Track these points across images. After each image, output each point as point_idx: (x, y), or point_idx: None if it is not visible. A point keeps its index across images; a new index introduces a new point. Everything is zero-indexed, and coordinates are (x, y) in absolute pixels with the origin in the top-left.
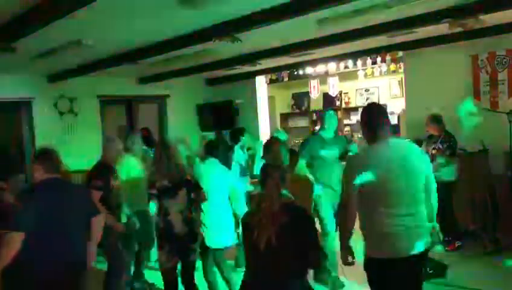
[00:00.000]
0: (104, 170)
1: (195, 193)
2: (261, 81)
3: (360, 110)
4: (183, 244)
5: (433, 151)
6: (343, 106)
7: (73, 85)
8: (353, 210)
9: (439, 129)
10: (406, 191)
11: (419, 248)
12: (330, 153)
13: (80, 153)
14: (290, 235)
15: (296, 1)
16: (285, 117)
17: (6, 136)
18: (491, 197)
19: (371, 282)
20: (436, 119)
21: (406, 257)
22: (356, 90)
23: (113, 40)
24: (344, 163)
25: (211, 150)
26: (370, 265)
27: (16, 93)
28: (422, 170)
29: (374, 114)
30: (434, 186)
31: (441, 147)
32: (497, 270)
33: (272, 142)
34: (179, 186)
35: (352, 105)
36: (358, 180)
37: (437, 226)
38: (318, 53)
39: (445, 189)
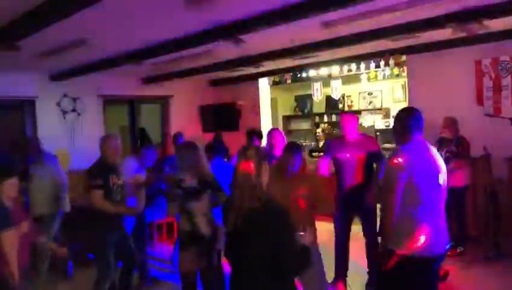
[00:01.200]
0: (104, 168)
1: (216, 195)
2: (264, 84)
3: (364, 113)
4: (209, 246)
5: (447, 155)
6: (346, 109)
7: (77, 84)
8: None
9: (454, 132)
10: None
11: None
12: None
13: (82, 152)
14: (262, 233)
15: (299, 4)
16: (287, 119)
17: (9, 134)
18: (493, 203)
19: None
20: (453, 122)
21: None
22: (359, 93)
23: (117, 40)
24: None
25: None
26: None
27: (20, 92)
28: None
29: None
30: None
31: (454, 150)
32: (498, 275)
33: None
34: (205, 187)
35: (355, 108)
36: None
37: None
38: (321, 56)
39: (459, 194)
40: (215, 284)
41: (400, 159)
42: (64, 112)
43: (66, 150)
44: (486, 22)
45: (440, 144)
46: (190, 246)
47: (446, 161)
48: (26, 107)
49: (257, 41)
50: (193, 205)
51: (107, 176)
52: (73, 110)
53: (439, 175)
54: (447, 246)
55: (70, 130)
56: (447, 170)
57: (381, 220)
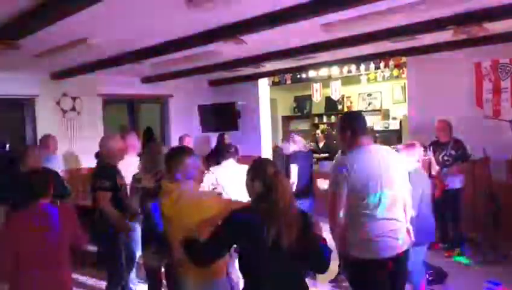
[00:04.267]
0: (109, 169)
1: None
2: (263, 84)
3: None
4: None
5: (445, 158)
6: (345, 110)
7: (76, 84)
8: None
9: (449, 136)
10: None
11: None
12: None
13: (82, 152)
14: (299, 236)
15: (300, 5)
16: (287, 120)
17: (9, 133)
18: (492, 205)
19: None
20: (449, 126)
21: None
22: (359, 94)
23: (118, 39)
24: None
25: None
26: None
27: (19, 91)
28: (403, 175)
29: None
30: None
31: (453, 153)
32: (496, 277)
33: None
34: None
35: (354, 109)
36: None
37: (411, 228)
38: (321, 57)
39: (455, 197)
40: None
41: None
42: (64, 111)
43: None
44: (487, 25)
45: (435, 148)
46: (151, 242)
47: (445, 165)
48: (26, 106)
49: (257, 42)
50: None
51: (115, 177)
52: (73, 109)
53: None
54: (405, 248)
55: (69, 129)
56: (447, 173)
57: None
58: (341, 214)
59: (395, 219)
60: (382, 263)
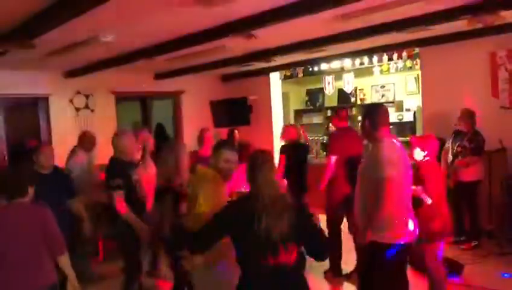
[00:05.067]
0: (121, 166)
1: None
2: (275, 78)
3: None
4: None
5: (458, 149)
6: (358, 102)
7: (89, 81)
8: None
9: (470, 126)
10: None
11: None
12: None
13: (95, 148)
14: (294, 229)
15: None
16: (299, 113)
17: (24, 131)
18: (509, 197)
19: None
20: (470, 115)
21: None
22: (372, 86)
23: (130, 37)
24: None
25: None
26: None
27: (34, 90)
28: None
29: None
30: None
31: (467, 145)
32: None
33: None
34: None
35: (367, 101)
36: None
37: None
38: (333, 49)
39: (468, 188)
40: None
41: None
42: (78, 109)
43: None
44: (503, 13)
45: (454, 137)
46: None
47: (456, 155)
48: (40, 104)
49: (269, 36)
50: None
51: (128, 175)
52: (86, 107)
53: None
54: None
55: (83, 127)
56: (457, 164)
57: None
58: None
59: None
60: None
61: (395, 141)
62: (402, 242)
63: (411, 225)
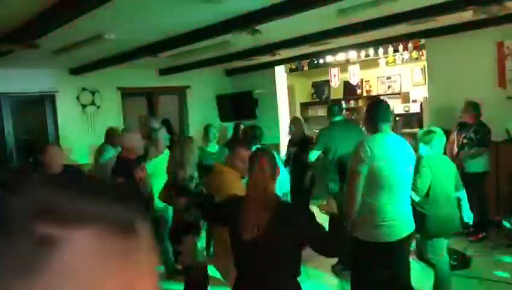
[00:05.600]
0: (124, 164)
1: None
2: (280, 71)
3: (382, 98)
4: None
5: (464, 141)
6: (364, 94)
7: (95, 78)
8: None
9: (474, 118)
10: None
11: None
12: None
13: None
14: (283, 231)
15: None
16: (305, 106)
17: (31, 128)
18: None
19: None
20: (474, 107)
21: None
22: (377, 78)
23: (134, 33)
24: None
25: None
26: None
27: (40, 88)
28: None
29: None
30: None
31: (473, 136)
32: None
33: None
34: None
35: (373, 93)
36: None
37: None
38: (338, 42)
39: (474, 180)
40: None
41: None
42: (84, 106)
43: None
44: (508, 3)
45: (459, 129)
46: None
47: (462, 147)
48: (46, 101)
49: (273, 30)
50: None
51: (131, 172)
52: (93, 104)
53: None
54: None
55: (90, 123)
56: (463, 156)
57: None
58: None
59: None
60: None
61: (391, 135)
62: (374, 241)
63: (400, 222)
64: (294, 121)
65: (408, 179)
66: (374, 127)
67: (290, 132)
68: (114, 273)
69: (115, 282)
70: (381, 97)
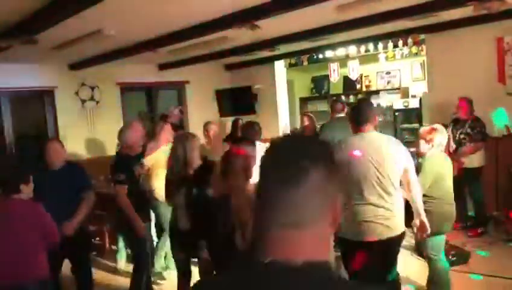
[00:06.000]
0: (126, 160)
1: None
2: (280, 66)
3: (382, 93)
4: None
5: (461, 136)
6: (364, 89)
7: (94, 73)
8: None
9: (468, 113)
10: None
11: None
12: None
13: (102, 140)
14: None
15: None
16: (304, 101)
17: (30, 124)
18: None
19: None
20: (466, 103)
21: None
22: (377, 73)
23: (133, 29)
24: None
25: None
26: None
27: (39, 83)
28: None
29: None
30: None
31: (469, 132)
32: None
33: None
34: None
35: (373, 88)
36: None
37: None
38: (338, 37)
39: (473, 175)
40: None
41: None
42: (83, 101)
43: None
44: None
45: (454, 125)
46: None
47: (460, 143)
48: (46, 96)
49: (273, 26)
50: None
51: (131, 169)
52: (92, 99)
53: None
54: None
55: (89, 119)
56: (462, 152)
57: None
58: None
59: (381, 206)
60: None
61: (370, 134)
62: (345, 237)
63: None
64: (306, 115)
65: (389, 178)
66: (354, 128)
67: (302, 124)
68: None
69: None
70: (380, 92)
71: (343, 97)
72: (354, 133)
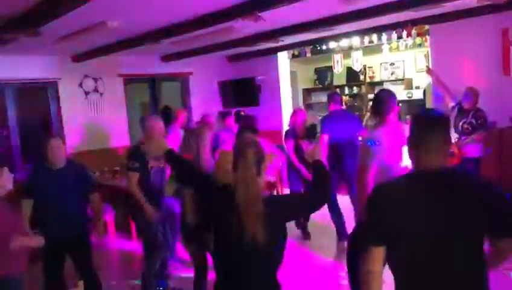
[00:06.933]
0: (141, 151)
1: None
2: (283, 57)
3: (385, 84)
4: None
5: (464, 126)
6: (367, 80)
7: (97, 65)
8: None
9: (473, 103)
10: None
11: None
12: None
13: (105, 131)
14: (272, 232)
15: None
16: (307, 92)
17: (35, 115)
18: None
19: None
20: (474, 93)
21: None
22: (381, 64)
23: (137, 20)
24: None
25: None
26: None
27: (43, 75)
28: None
29: None
30: None
31: (473, 122)
32: None
33: None
34: None
35: (376, 79)
36: None
37: None
38: (342, 28)
39: (475, 166)
40: None
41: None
42: (87, 92)
43: None
44: None
45: (457, 114)
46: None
47: (464, 133)
48: (49, 88)
49: (276, 17)
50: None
51: (145, 159)
52: (95, 90)
53: None
54: None
55: (92, 110)
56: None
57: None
58: None
59: None
60: None
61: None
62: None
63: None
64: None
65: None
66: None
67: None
68: None
69: None
70: (384, 83)
71: (346, 89)
72: (379, 123)
